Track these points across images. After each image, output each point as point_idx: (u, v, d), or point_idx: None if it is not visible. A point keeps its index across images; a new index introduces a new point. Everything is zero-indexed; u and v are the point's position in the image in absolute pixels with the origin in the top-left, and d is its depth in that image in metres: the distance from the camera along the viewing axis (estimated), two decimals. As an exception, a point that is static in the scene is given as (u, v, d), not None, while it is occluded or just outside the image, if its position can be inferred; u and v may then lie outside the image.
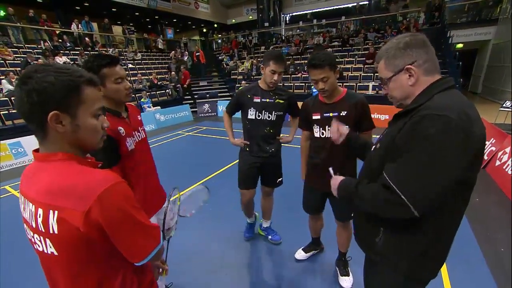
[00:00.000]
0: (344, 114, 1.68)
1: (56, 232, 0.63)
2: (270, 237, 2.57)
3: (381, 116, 7.03)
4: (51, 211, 0.63)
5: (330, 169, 1.21)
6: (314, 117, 1.78)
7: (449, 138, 0.74)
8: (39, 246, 0.69)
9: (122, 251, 0.69)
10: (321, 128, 1.78)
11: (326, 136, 1.74)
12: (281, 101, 2.10)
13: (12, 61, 8.33)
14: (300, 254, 2.33)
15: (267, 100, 2.07)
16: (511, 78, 6.13)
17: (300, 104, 1.98)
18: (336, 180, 1.11)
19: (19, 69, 7.80)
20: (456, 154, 0.75)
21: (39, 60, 8.36)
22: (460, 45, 11.54)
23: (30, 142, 5.61)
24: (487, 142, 4.18)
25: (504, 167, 3.46)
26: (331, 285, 2.06)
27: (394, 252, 0.97)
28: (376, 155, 0.98)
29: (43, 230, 0.65)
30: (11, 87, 6.82)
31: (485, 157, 4.00)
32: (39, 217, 0.65)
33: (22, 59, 8.34)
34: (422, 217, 0.82)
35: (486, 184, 3.55)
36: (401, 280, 0.98)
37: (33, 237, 0.70)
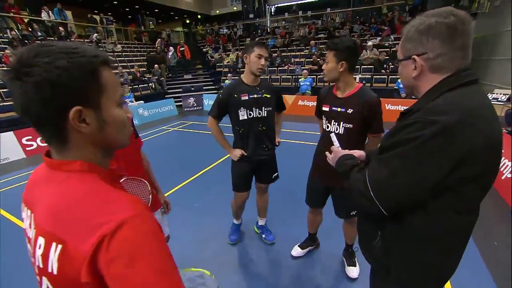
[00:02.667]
0: (350, 112, 1.60)
1: (55, 272, 0.47)
2: (264, 236, 2.50)
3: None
4: (53, 244, 0.46)
5: (333, 135, 1.18)
6: (323, 108, 1.75)
7: (434, 145, 0.69)
8: (38, 282, 0.52)
9: None
10: (327, 121, 1.73)
11: (331, 130, 1.69)
12: (268, 95, 2.00)
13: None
14: (296, 251, 2.28)
15: (255, 95, 1.95)
16: (510, 72, 6.33)
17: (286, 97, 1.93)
18: (337, 152, 1.08)
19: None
20: (433, 163, 0.70)
21: (6, 51, 7.68)
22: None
23: (5, 139, 5.25)
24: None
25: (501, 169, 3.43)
26: (332, 280, 2.03)
27: (391, 259, 0.89)
28: (376, 151, 0.93)
29: (41, 266, 0.49)
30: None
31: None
32: (39, 248, 0.49)
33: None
34: (419, 224, 0.79)
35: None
36: None
37: (34, 267, 0.53)
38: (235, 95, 1.93)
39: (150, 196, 1.28)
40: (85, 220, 0.45)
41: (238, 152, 2.05)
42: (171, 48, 12.03)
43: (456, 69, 0.76)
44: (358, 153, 1.13)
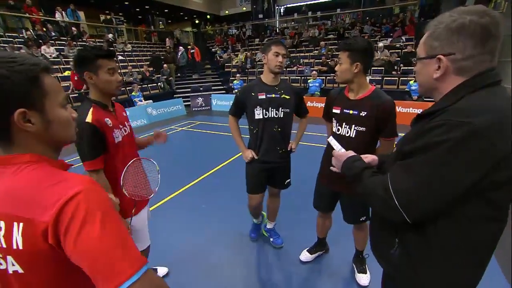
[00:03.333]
0: (363, 115, 1.55)
1: (21, 247, 0.54)
2: (272, 239, 2.46)
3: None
4: (15, 224, 0.53)
5: (331, 138, 1.13)
6: (334, 111, 1.69)
7: (464, 150, 0.64)
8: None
9: (93, 274, 0.52)
10: (337, 124, 1.68)
11: (342, 133, 1.65)
12: (287, 97, 1.95)
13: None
14: (305, 256, 2.23)
15: (273, 95, 1.92)
16: (510, 73, 6.12)
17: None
18: (341, 156, 1.02)
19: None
20: (467, 169, 0.65)
21: (21, 50, 7.89)
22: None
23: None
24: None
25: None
26: (341, 287, 1.98)
27: (411, 269, 0.84)
28: (392, 158, 0.88)
29: (4, 246, 0.55)
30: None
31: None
32: (0, 230, 0.55)
33: (1, 48, 7.84)
34: (444, 232, 0.75)
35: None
36: None
37: None
38: (253, 93, 1.92)
39: (159, 176, 1.42)
40: (43, 198, 0.53)
41: (249, 154, 2.02)
42: (180, 48, 12.10)
43: (479, 72, 0.72)
44: (370, 157, 1.08)
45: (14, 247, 0.54)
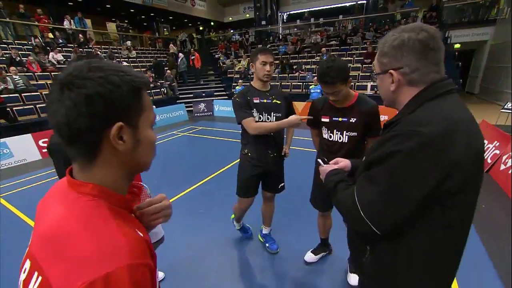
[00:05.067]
0: (353, 121, 1.67)
1: None
2: (267, 245, 2.46)
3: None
4: (35, 273, 0.45)
5: (319, 160, 1.17)
6: (323, 120, 1.78)
7: (418, 158, 0.67)
8: None
9: None
10: (328, 131, 1.78)
11: (334, 139, 1.77)
12: (279, 102, 2.01)
13: (0, 58, 8.04)
14: (309, 256, 2.27)
15: (265, 101, 1.97)
16: (511, 79, 6.07)
17: (297, 103, 1.95)
18: (323, 171, 1.06)
19: (5, 66, 7.49)
20: (422, 176, 0.68)
21: (29, 57, 8.10)
22: (457, 45, 11.53)
23: (16, 143, 5.43)
24: (490, 145, 4.09)
25: (510, 171, 3.36)
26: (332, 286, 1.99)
27: (382, 275, 0.86)
28: (362, 165, 0.89)
29: None
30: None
31: (489, 161, 3.91)
32: (23, 272, 0.47)
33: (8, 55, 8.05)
34: (408, 241, 0.77)
35: (491, 188, 3.46)
36: None
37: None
38: (248, 98, 1.96)
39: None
40: (69, 260, 0.41)
41: (297, 117, 1.83)
42: (180, 54, 12.29)
43: (431, 82, 0.76)
44: (343, 163, 1.11)
45: None
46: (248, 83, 2.08)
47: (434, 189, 0.68)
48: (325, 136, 1.81)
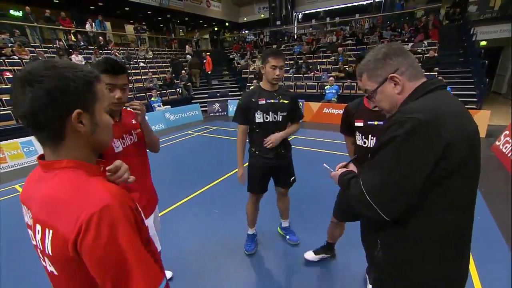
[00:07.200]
0: None
1: (50, 253, 0.58)
2: (288, 237, 2.55)
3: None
4: (47, 230, 0.57)
5: (325, 165, 1.16)
6: (356, 124, 1.64)
7: (414, 140, 0.74)
8: (42, 261, 0.65)
9: None
10: (363, 137, 1.62)
11: (368, 145, 1.60)
12: (286, 101, 2.06)
13: (28, 61, 8.49)
14: (309, 255, 2.27)
15: (272, 100, 2.02)
16: (509, 77, 5.70)
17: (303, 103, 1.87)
18: (335, 176, 1.07)
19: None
20: (420, 155, 0.74)
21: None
22: (483, 43, 10.93)
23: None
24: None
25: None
26: None
27: (393, 268, 0.89)
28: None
29: (41, 248, 0.60)
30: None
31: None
32: (38, 233, 0.60)
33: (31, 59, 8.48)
34: (416, 227, 0.81)
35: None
36: None
37: (37, 250, 0.65)
38: (253, 100, 2.02)
39: None
40: (68, 210, 0.55)
41: (239, 173, 2.16)
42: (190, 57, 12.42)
43: (422, 75, 0.87)
44: (352, 166, 1.13)
45: (46, 252, 0.59)
46: (254, 88, 2.14)
47: (433, 170, 0.74)
48: (359, 142, 1.65)
